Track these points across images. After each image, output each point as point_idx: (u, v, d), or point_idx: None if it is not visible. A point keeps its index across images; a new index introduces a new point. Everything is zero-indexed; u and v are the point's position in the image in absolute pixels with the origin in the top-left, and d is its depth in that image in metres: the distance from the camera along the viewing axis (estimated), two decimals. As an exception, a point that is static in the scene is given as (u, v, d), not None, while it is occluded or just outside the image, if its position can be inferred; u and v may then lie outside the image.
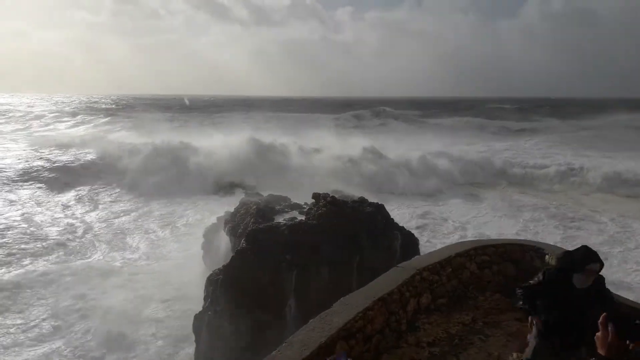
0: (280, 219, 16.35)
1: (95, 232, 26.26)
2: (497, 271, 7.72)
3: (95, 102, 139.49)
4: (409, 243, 16.70)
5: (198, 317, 14.87)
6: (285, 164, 38.33)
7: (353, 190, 20.46)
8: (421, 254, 15.57)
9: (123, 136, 49.35)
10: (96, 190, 34.56)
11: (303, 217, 16.21)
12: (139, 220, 28.58)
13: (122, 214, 29.72)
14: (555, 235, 24.52)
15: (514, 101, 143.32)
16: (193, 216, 28.32)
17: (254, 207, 17.13)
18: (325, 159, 39.87)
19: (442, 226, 26.97)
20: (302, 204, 18.35)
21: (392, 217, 17.08)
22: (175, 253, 23.27)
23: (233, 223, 17.57)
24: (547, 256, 7.42)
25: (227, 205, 22.14)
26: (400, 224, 17.29)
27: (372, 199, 18.09)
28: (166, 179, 35.37)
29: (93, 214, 29.82)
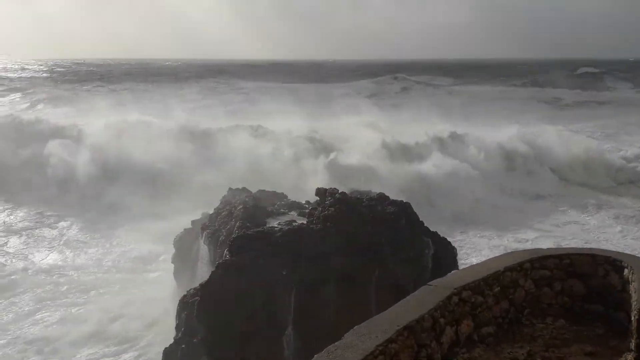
0: (275, 223, 16.40)
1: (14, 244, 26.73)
2: (561, 290, 7.72)
3: (24, 69, 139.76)
4: (444, 254, 16.71)
5: (169, 352, 14.96)
6: (265, 158, 36.93)
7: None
8: (460, 267, 15.60)
9: (52, 116, 48.94)
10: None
11: (304, 220, 16.24)
12: (73, 228, 28.99)
13: (52, 221, 29.93)
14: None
15: (578, 63, 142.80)
16: (165, 222, 28.31)
17: (240, 207, 17.16)
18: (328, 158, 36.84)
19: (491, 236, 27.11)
20: (303, 202, 18.39)
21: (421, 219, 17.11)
22: (133, 267, 23.54)
23: (213, 228, 17.64)
24: (626, 270, 7.44)
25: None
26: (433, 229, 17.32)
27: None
28: (98, 179, 35.10)
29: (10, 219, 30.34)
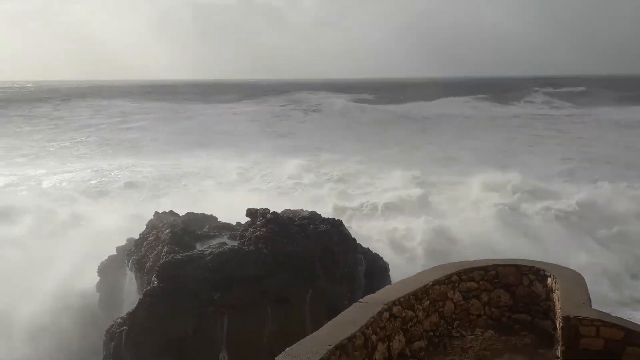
0: (204, 246, 16.17)
1: None
2: (488, 301, 7.91)
3: None
4: (377, 269, 16.90)
5: (94, 387, 14.45)
6: None
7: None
8: (393, 282, 15.80)
9: None
10: None
11: (236, 243, 16.08)
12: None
13: None
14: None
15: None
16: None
17: (168, 231, 16.82)
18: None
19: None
20: (234, 223, 18.22)
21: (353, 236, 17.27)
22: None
23: (139, 254, 17.21)
24: (549, 279, 7.70)
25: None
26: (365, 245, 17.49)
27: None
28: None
29: None
